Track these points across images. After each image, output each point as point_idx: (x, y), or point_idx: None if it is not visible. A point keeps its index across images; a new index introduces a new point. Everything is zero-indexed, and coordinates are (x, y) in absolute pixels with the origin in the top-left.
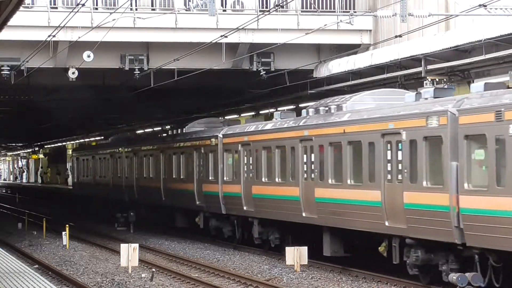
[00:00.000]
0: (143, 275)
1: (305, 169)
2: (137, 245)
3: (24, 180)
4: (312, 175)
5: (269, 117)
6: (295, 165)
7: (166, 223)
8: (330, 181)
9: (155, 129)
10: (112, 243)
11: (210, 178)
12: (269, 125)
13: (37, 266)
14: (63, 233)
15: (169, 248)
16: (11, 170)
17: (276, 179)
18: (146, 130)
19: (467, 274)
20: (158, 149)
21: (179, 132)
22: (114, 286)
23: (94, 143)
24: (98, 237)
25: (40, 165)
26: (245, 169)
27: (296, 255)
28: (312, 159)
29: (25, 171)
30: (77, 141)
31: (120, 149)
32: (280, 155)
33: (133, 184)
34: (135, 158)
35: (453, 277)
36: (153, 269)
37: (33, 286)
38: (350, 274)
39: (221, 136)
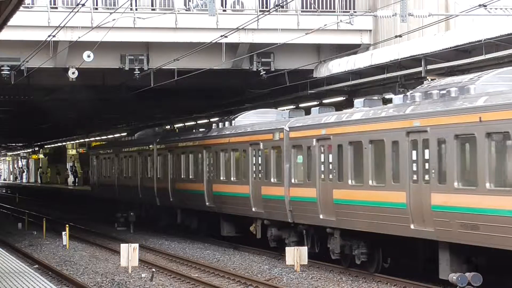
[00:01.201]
0: (143, 275)
1: (414, 168)
2: (137, 245)
3: (24, 180)
4: (427, 177)
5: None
6: (400, 163)
7: (210, 231)
8: (456, 184)
9: (198, 121)
10: (112, 243)
11: (272, 179)
12: (357, 115)
13: (37, 266)
14: (63, 233)
15: (169, 248)
16: (11, 170)
17: (370, 182)
18: (187, 124)
19: (467, 274)
20: (200, 145)
21: (226, 125)
22: (114, 286)
23: (112, 140)
24: (98, 237)
25: (40, 165)
26: (323, 169)
27: (296, 255)
28: (427, 156)
29: (25, 171)
30: (96, 138)
31: (150, 146)
32: (375, 151)
33: (167, 186)
34: (170, 156)
35: (453, 277)
36: (153, 269)
37: (33, 286)
38: (350, 274)
39: (287, 129)
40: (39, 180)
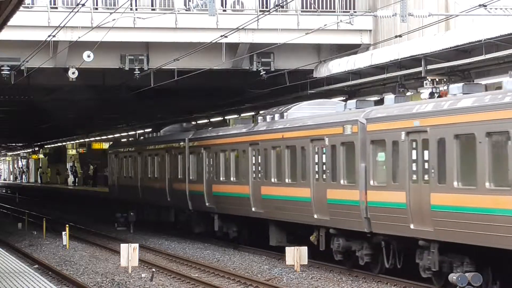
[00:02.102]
0: (143, 275)
1: None
2: (137, 245)
3: (24, 180)
4: None
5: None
6: None
7: (255, 240)
8: None
9: (242, 115)
10: (112, 243)
11: (341, 181)
12: (466, 101)
13: (37, 266)
14: (63, 233)
15: (169, 248)
16: (11, 170)
17: (487, 184)
18: (226, 117)
19: (467, 274)
20: (245, 142)
21: (276, 118)
22: (114, 286)
23: (131, 137)
24: (98, 237)
25: (40, 165)
26: (415, 168)
27: (296, 255)
28: None
29: (25, 171)
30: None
31: (181, 143)
32: (493, 145)
33: (202, 188)
34: (205, 154)
35: (453, 277)
36: (153, 269)
37: (33, 286)
38: (350, 274)
39: (363, 121)
40: (39, 180)
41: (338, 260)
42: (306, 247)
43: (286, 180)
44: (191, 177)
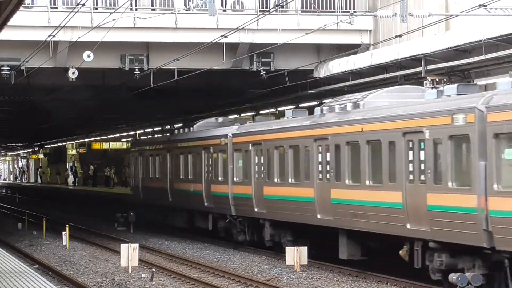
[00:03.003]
0: (143, 275)
1: None
2: (137, 245)
3: (24, 180)
4: None
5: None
6: None
7: (315, 252)
8: None
9: (300, 103)
10: (112, 243)
11: (449, 183)
12: None
13: (37, 266)
14: (63, 233)
15: (169, 248)
16: (11, 170)
17: None
18: (281, 109)
19: (467, 274)
20: (307, 136)
21: (349, 108)
22: (114, 286)
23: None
24: (98, 237)
25: (40, 165)
26: None
27: (296, 255)
28: None
29: (25, 171)
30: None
31: (222, 139)
32: None
33: (249, 191)
34: (253, 151)
35: (453, 277)
36: (153, 269)
37: (33, 286)
38: (350, 274)
39: (483, 108)
40: (39, 180)
41: (436, 280)
42: (306, 247)
43: (366, 182)
44: (235, 178)
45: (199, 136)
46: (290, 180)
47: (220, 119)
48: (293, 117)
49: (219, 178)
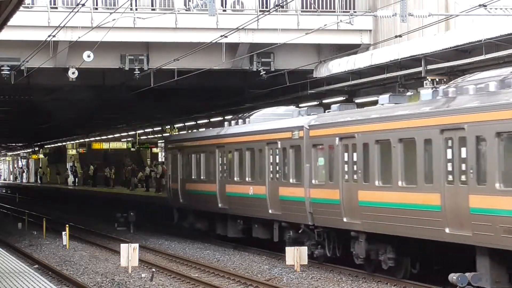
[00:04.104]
0: (143, 275)
1: None
2: (137, 245)
3: (24, 180)
4: None
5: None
6: None
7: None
8: None
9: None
10: (112, 243)
11: None
12: None
13: (37, 266)
14: (63, 233)
15: (169, 248)
16: (11, 170)
17: None
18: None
19: (467, 274)
20: (431, 127)
21: (496, 86)
22: (114, 286)
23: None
24: (98, 237)
25: (40, 165)
26: None
27: (296, 255)
28: None
29: (25, 171)
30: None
31: (295, 133)
32: None
33: (336, 195)
34: (342, 146)
35: (453, 277)
36: (153, 269)
37: (33, 286)
38: (350, 274)
39: None
40: (39, 181)
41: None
42: (306, 247)
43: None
44: (313, 180)
45: (260, 129)
46: (400, 183)
47: (282, 108)
48: (393, 103)
49: (290, 180)
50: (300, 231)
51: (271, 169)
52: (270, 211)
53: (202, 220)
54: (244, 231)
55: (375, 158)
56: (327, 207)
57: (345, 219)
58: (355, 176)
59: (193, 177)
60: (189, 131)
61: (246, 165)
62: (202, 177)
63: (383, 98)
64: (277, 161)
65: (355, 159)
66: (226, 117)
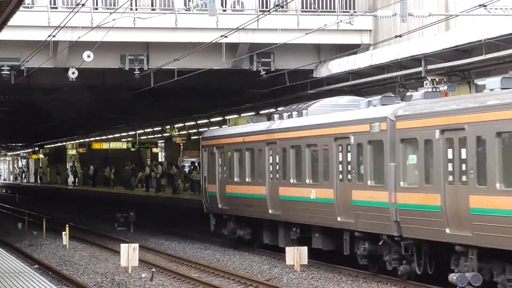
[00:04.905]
0: (143, 275)
1: None
2: (137, 245)
3: (24, 180)
4: None
5: None
6: None
7: None
8: None
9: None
10: (112, 243)
11: None
12: None
13: (37, 266)
14: (63, 233)
15: (169, 248)
16: (11, 170)
17: None
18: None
19: (467, 274)
20: None
21: None
22: (114, 286)
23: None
24: (98, 237)
25: (40, 165)
26: None
27: (296, 255)
28: None
29: (25, 171)
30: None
31: (374, 125)
32: None
33: (436, 201)
34: (444, 141)
35: (453, 277)
36: (153, 269)
37: (33, 286)
38: (350, 274)
39: None
40: (38, 181)
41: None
42: (306, 247)
43: None
44: (402, 182)
45: (325, 122)
46: None
47: (345, 99)
48: (506, 87)
49: (368, 182)
50: (380, 243)
51: (340, 169)
52: (339, 219)
53: (245, 228)
54: (299, 240)
55: (495, 154)
56: (422, 215)
57: (448, 230)
58: (464, 177)
59: (235, 179)
60: (227, 125)
61: (305, 164)
62: (247, 179)
63: (493, 82)
64: (349, 159)
65: (464, 156)
66: (274, 110)
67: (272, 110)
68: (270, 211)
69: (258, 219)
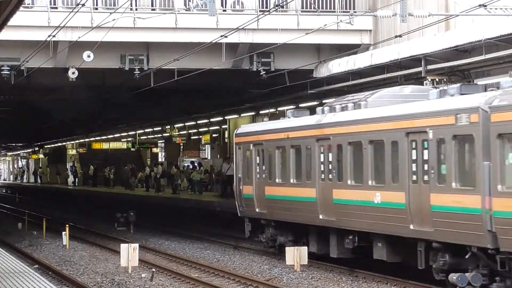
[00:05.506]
0: (143, 275)
1: None
2: (137, 245)
3: (24, 180)
4: None
5: None
6: None
7: None
8: None
9: None
10: (112, 243)
11: None
12: None
13: (37, 266)
14: (63, 233)
15: (169, 248)
16: (11, 170)
17: None
18: None
19: (467, 274)
20: None
21: None
22: (114, 286)
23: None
24: (98, 237)
25: (40, 165)
26: None
27: (296, 255)
28: None
29: (25, 171)
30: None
31: (461, 116)
32: None
33: None
34: None
35: (453, 277)
36: (153, 269)
37: (33, 286)
38: (350, 274)
39: None
40: (39, 180)
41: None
42: (306, 247)
43: None
44: (499, 185)
45: (393, 114)
46: None
47: (409, 88)
48: None
49: (452, 184)
50: (467, 256)
51: (414, 168)
52: (411, 227)
53: (286, 234)
54: (354, 249)
55: None
56: None
57: None
58: None
59: (277, 180)
60: (264, 120)
61: (367, 162)
62: (291, 180)
63: None
64: (425, 156)
65: None
66: (317, 104)
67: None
68: (320, 216)
69: (303, 225)
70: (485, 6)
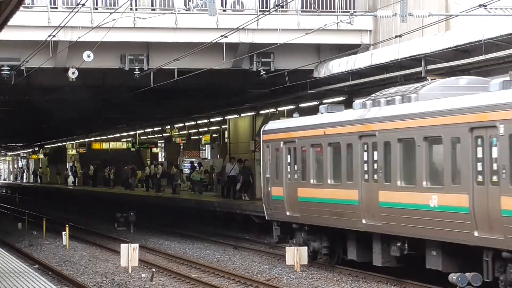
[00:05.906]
0: (143, 275)
1: None
2: (137, 245)
3: (24, 180)
4: None
5: None
6: None
7: None
8: None
9: None
10: (112, 243)
11: None
12: None
13: (37, 266)
14: (63, 233)
15: (169, 248)
16: (11, 170)
17: None
18: None
19: (467, 274)
20: None
21: None
22: (114, 286)
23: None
24: (98, 237)
25: (40, 165)
26: None
27: (296, 255)
28: None
29: (25, 171)
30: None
31: None
32: None
33: None
34: None
35: (453, 277)
36: (153, 269)
37: (33, 286)
38: (350, 274)
39: None
40: (39, 180)
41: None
42: (305, 247)
43: None
44: None
45: (453, 107)
46: None
47: (464, 80)
48: None
49: None
50: None
51: (480, 168)
52: (476, 233)
53: (320, 239)
54: (400, 258)
55: None
56: None
57: None
58: None
59: (311, 180)
60: (294, 116)
61: (421, 161)
62: (329, 180)
63: None
64: (494, 154)
65: None
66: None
67: (272, 109)
68: (363, 221)
69: (340, 229)
70: (485, 6)
